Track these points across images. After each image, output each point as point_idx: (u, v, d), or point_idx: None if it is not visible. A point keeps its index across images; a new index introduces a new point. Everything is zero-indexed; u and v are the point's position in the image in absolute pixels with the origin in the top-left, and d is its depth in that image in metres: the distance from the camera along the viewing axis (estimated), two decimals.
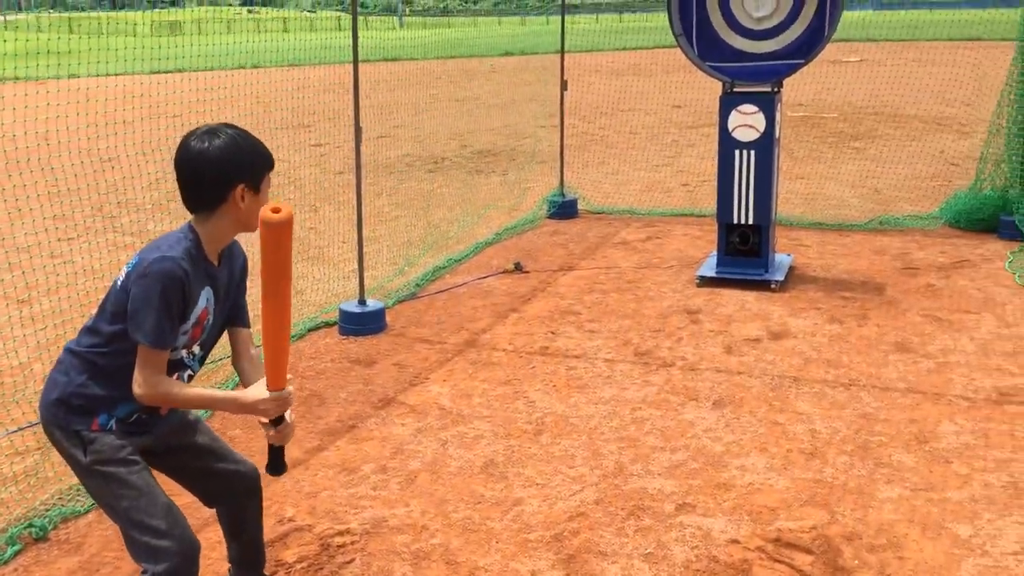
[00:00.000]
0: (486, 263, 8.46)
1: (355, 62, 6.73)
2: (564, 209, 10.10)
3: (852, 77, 23.62)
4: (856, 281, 7.62)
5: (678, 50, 7.76)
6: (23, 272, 7.27)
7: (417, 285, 7.73)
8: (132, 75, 11.10)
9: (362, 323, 6.69)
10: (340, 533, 4.19)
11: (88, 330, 2.90)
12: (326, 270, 8.20)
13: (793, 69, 7.47)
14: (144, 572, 2.84)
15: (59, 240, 8.79)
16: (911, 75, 15.89)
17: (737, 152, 7.40)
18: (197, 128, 2.86)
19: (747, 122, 7.32)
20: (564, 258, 8.57)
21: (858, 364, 5.95)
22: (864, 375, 5.77)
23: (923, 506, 4.28)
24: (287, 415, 2.89)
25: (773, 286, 7.38)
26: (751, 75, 7.42)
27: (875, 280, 7.63)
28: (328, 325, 6.88)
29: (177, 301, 2.75)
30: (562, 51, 10.10)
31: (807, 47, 7.31)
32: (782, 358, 6.08)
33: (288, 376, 2.81)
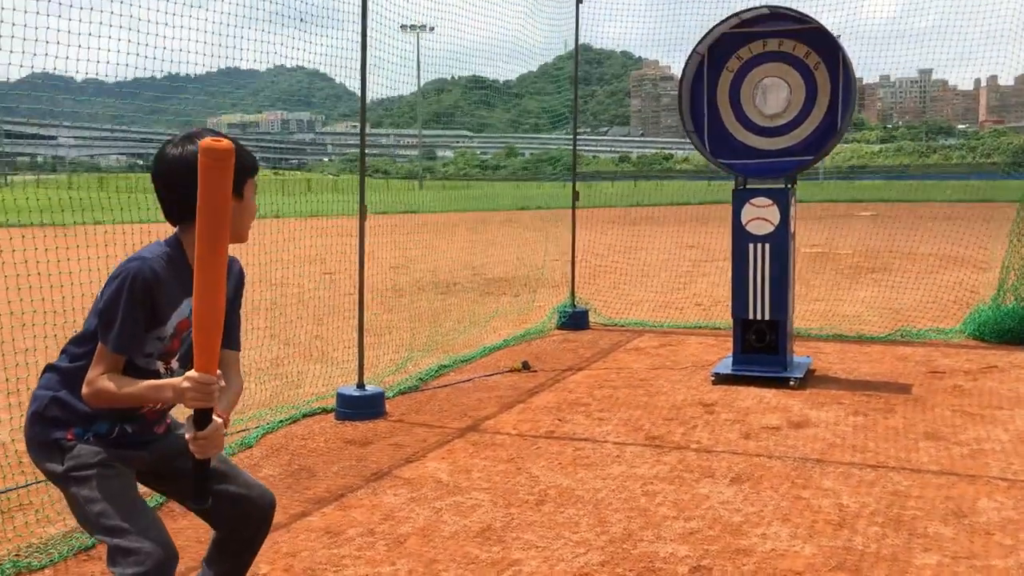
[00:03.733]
0: (493, 364, 8.17)
1: (362, 155, 6.69)
2: (574, 320, 9.87)
3: (866, 227, 23.78)
4: (879, 381, 7.28)
5: (691, 206, 7.74)
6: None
7: (420, 379, 7.44)
8: (158, 223, 11.12)
9: (360, 407, 6.37)
10: None
11: (69, 344, 2.75)
12: (328, 368, 7.93)
13: (805, 165, 7.41)
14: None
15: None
16: (925, 225, 15.93)
17: (751, 246, 7.23)
18: (174, 136, 2.71)
19: (761, 215, 7.18)
20: (574, 360, 8.28)
21: (886, 449, 5.56)
22: (893, 459, 5.38)
23: (966, 572, 3.85)
24: (215, 417, 2.51)
25: (792, 383, 7.05)
26: (764, 171, 7.35)
27: (899, 381, 7.29)
28: (325, 411, 6.56)
29: (142, 303, 2.56)
30: (573, 167, 10.13)
31: (819, 143, 7.26)
32: (804, 443, 5.70)
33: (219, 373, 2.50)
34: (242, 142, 2.68)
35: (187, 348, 2.74)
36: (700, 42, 7.38)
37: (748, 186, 7.34)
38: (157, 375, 2.70)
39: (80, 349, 2.66)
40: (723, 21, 7.31)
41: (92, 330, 2.63)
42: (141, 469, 2.81)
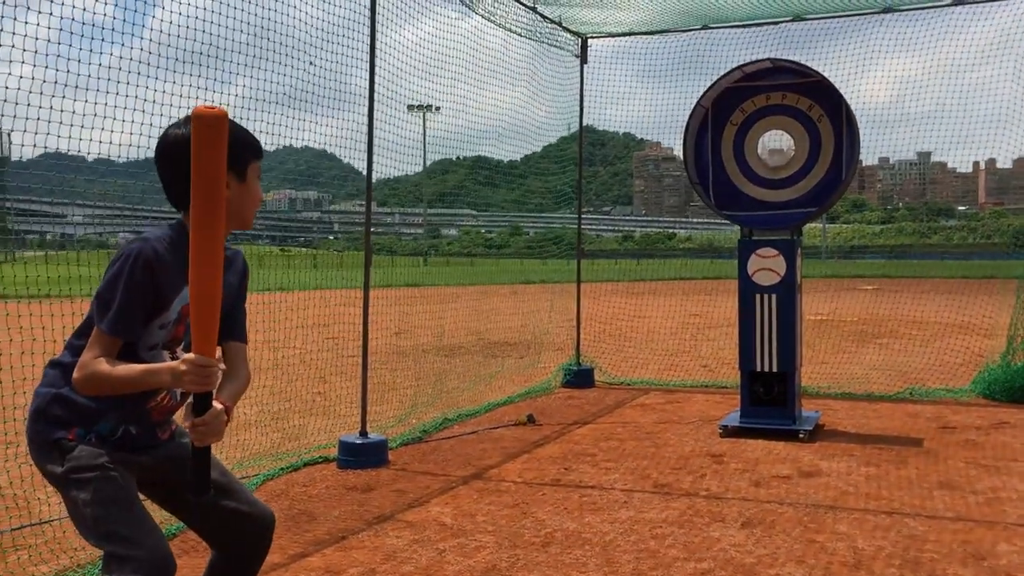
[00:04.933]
0: (497, 418, 8.06)
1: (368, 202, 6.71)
2: (580, 378, 9.77)
3: (870, 299, 23.73)
4: (890, 436, 7.15)
5: (695, 280, 7.75)
6: None
7: (423, 431, 7.32)
8: None
9: (362, 455, 6.25)
10: None
11: (71, 338, 2.67)
12: (330, 421, 7.82)
13: (811, 216, 7.41)
14: None
15: None
16: (928, 297, 15.91)
17: (758, 297, 7.18)
18: (179, 119, 2.70)
19: (767, 266, 7.15)
20: (579, 415, 8.17)
21: (900, 496, 5.42)
22: (908, 506, 5.24)
23: None
24: (215, 403, 2.42)
25: (801, 435, 6.93)
26: (769, 223, 7.34)
27: (910, 435, 7.16)
28: (327, 460, 6.44)
29: (144, 284, 2.50)
30: (579, 220, 10.16)
31: (824, 195, 7.27)
32: (816, 491, 5.56)
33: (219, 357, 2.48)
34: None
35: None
36: (704, 95, 7.45)
37: (754, 237, 7.33)
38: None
39: (82, 341, 2.57)
40: (726, 75, 7.39)
41: (91, 322, 2.56)
42: (143, 476, 2.70)
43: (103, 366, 2.47)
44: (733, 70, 7.39)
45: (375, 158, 6.72)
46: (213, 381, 2.38)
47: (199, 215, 2.30)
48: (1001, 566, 4.24)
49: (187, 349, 2.65)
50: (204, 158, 2.28)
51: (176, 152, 2.53)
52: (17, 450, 5.86)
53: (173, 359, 2.61)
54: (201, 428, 2.38)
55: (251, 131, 2.78)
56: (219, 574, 2.88)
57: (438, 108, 9.87)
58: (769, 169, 7.42)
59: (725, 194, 7.53)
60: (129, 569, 2.43)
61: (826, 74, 7.17)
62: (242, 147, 2.64)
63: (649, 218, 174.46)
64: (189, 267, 2.32)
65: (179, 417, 2.74)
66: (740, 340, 7.28)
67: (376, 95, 6.66)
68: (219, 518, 2.80)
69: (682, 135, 7.55)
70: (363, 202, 7.08)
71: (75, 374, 2.50)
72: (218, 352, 2.70)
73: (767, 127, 7.41)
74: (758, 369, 7.18)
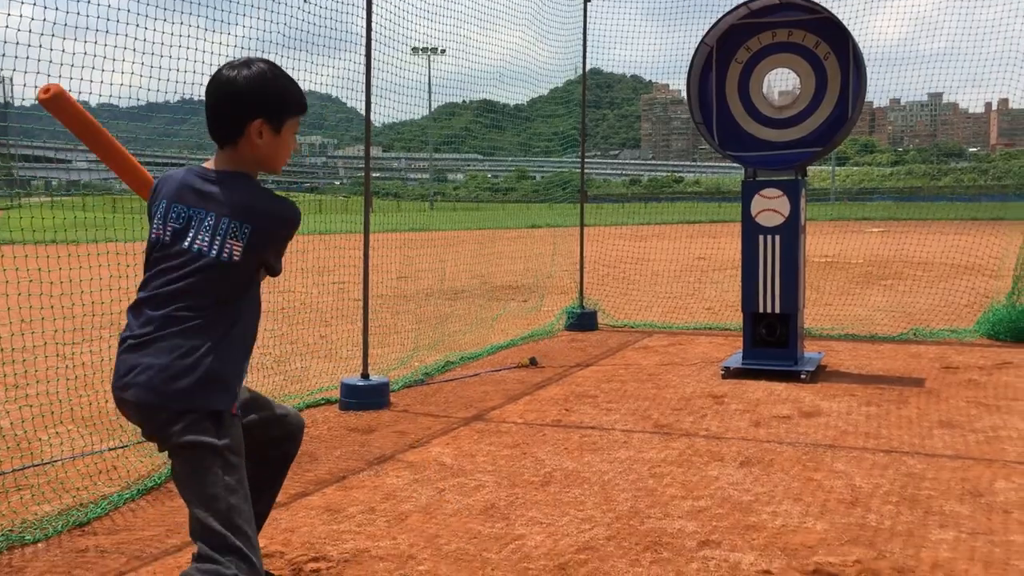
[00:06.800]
0: (499, 361, 8.07)
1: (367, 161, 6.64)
2: (583, 321, 9.77)
3: (877, 241, 23.62)
4: (892, 376, 7.15)
5: (701, 224, 7.67)
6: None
7: (425, 374, 7.34)
8: None
9: (364, 396, 6.27)
10: (315, 559, 3.70)
11: (197, 300, 2.54)
12: (333, 364, 7.85)
13: (816, 156, 7.33)
14: (215, 564, 2.45)
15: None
16: (936, 239, 15.75)
17: (761, 238, 7.13)
18: (236, 59, 2.70)
19: (771, 206, 7.09)
20: (582, 358, 8.18)
21: (899, 435, 5.44)
22: (907, 444, 5.25)
23: (984, 547, 3.73)
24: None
25: (803, 376, 6.93)
26: (773, 163, 7.26)
27: (912, 376, 7.16)
28: (329, 402, 6.47)
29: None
30: (582, 163, 10.08)
31: (830, 133, 7.18)
32: (815, 430, 5.58)
33: None
34: None
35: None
36: (708, 33, 7.33)
37: (758, 178, 7.26)
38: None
39: (206, 300, 2.55)
40: (731, 11, 7.25)
41: (246, 279, 2.60)
42: None
43: None
44: (739, 6, 7.25)
45: (377, 101, 6.65)
46: None
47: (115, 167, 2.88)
48: (998, 503, 4.25)
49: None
50: (76, 130, 2.86)
51: (218, 95, 2.62)
52: (17, 392, 5.91)
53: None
54: None
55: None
56: (266, 474, 3.06)
57: (443, 51, 9.75)
58: (774, 108, 7.32)
59: (729, 134, 7.44)
60: (246, 569, 2.46)
61: (836, 11, 7.04)
62: (284, 105, 2.67)
63: (657, 162, 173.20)
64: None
65: None
66: (743, 281, 7.25)
67: (377, 37, 6.56)
68: (261, 428, 2.93)
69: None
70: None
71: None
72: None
73: (773, 65, 7.30)
74: (761, 310, 7.16)
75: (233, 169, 2.63)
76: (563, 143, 14.26)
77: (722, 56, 7.39)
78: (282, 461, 3.11)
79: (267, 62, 2.68)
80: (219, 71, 2.64)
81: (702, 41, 7.34)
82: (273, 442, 3.02)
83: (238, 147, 2.62)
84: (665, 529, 3.95)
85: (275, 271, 2.66)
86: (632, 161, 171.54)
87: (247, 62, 2.64)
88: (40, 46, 4.60)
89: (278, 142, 2.66)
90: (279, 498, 4.41)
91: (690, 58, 7.39)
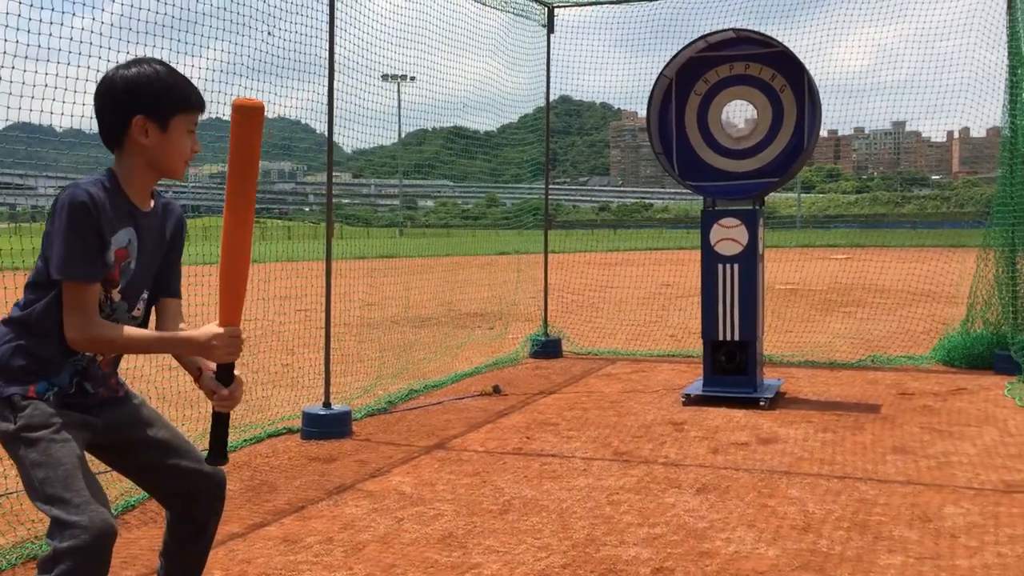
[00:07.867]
0: (463, 389, 8.11)
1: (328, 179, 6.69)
2: (547, 348, 9.83)
3: (839, 268, 23.88)
4: (849, 402, 7.27)
5: (669, 251, 7.79)
6: None
7: (388, 402, 7.36)
8: None
9: (325, 425, 6.28)
10: None
11: (26, 292, 2.66)
12: (295, 393, 7.84)
13: (773, 186, 7.47)
14: (50, 551, 2.43)
15: None
16: (897, 266, 16.03)
17: (720, 267, 7.24)
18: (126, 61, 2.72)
19: (729, 235, 7.21)
20: (545, 385, 8.23)
21: (853, 461, 5.53)
22: (860, 470, 5.35)
23: (930, 571, 3.81)
24: (237, 372, 2.54)
25: (762, 403, 7.03)
26: (731, 193, 7.38)
27: (869, 402, 7.28)
28: (290, 431, 6.47)
29: (88, 227, 2.51)
30: (546, 190, 10.16)
31: (786, 164, 7.32)
32: (772, 457, 5.66)
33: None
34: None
35: (128, 281, 2.68)
36: (667, 65, 7.46)
37: (717, 207, 7.38)
38: (99, 308, 2.62)
39: (32, 295, 2.59)
40: (690, 44, 7.40)
41: (41, 274, 2.57)
42: (95, 439, 2.71)
43: (108, 330, 2.54)
44: (697, 39, 7.40)
45: (346, 127, 6.71)
46: (240, 351, 2.49)
47: (233, 200, 2.42)
48: (946, 527, 4.34)
49: (124, 294, 2.69)
50: (238, 147, 2.40)
51: (100, 94, 2.61)
52: None
53: (108, 297, 2.64)
54: (228, 399, 2.49)
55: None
56: (177, 536, 2.90)
57: (412, 78, 9.83)
58: (732, 139, 7.46)
59: (688, 164, 7.56)
60: (69, 535, 2.42)
61: (801, 42, 7.26)
62: (169, 100, 2.64)
63: (626, 188, 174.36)
64: (221, 248, 2.43)
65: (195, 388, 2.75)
66: (702, 309, 7.35)
67: (344, 63, 6.64)
68: (175, 478, 2.82)
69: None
70: (338, 173, 7.06)
71: (70, 334, 2.52)
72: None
73: (730, 97, 7.44)
74: (720, 338, 7.26)
75: (115, 170, 2.64)
76: (532, 170, 14.37)
77: (681, 88, 7.53)
78: (204, 519, 2.90)
79: (158, 61, 2.69)
80: (107, 72, 2.66)
81: (661, 73, 7.48)
82: (197, 496, 2.85)
83: (125, 149, 2.63)
84: (620, 556, 4.00)
85: (52, 265, 2.53)
86: (601, 188, 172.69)
87: (134, 62, 2.65)
88: (13, 67, 4.62)
89: (166, 140, 2.63)
90: (236, 528, 4.44)
91: (651, 90, 7.52)
